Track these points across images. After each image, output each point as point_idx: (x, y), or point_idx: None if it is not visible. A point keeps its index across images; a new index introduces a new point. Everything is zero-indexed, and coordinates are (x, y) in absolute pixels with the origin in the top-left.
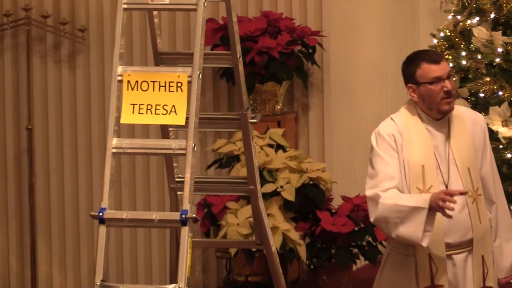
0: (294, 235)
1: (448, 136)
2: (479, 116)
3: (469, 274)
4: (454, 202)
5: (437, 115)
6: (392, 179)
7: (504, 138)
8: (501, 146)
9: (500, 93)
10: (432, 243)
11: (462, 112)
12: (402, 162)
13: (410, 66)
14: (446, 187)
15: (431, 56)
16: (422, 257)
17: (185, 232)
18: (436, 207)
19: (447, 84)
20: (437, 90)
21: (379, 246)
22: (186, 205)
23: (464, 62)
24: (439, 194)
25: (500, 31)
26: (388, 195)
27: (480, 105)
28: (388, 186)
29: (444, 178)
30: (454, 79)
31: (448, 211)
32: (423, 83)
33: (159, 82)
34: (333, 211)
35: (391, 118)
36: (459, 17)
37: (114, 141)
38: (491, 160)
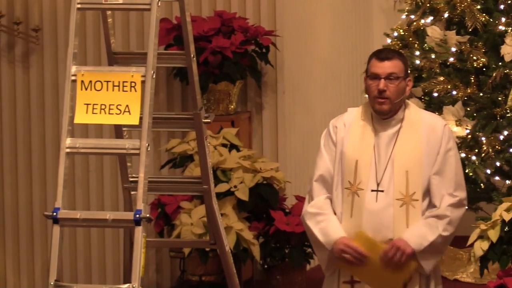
0: (248, 235)
1: (395, 137)
2: (439, 124)
3: None
4: (358, 257)
5: (375, 113)
6: (318, 170)
7: (457, 137)
8: None
9: (454, 92)
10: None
11: (421, 117)
12: (339, 154)
13: (369, 59)
14: (378, 185)
15: (381, 53)
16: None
17: (138, 232)
18: (337, 254)
19: (381, 83)
20: (373, 86)
21: None
22: (140, 205)
23: (418, 62)
24: (339, 245)
25: (454, 31)
26: (313, 205)
27: (434, 105)
28: (315, 177)
29: (378, 177)
30: (408, 84)
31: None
32: (366, 76)
33: (113, 82)
34: (287, 210)
35: (348, 110)
36: (412, 16)
37: (68, 141)
38: (448, 167)
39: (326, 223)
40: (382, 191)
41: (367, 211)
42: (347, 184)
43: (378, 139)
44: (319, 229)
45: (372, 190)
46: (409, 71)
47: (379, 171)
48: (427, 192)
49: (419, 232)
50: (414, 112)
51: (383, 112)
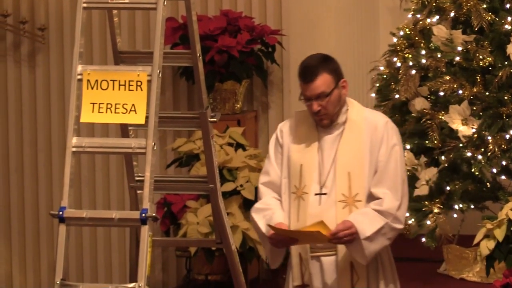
0: (254, 234)
1: (338, 140)
2: (381, 121)
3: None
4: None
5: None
6: (266, 174)
7: (464, 136)
8: (461, 145)
9: (460, 91)
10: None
11: (364, 117)
12: (286, 158)
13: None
14: (321, 188)
15: (305, 74)
16: (294, 257)
17: (145, 231)
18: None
19: (314, 105)
20: (309, 106)
21: None
22: (146, 204)
23: (424, 61)
24: (269, 232)
25: (460, 30)
26: (261, 203)
27: (440, 104)
28: (263, 181)
29: (322, 180)
30: (344, 86)
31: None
32: (300, 95)
33: (119, 81)
34: None
35: (294, 114)
36: (419, 15)
37: (74, 140)
38: (393, 163)
39: (270, 215)
40: (325, 194)
41: (310, 215)
42: (294, 188)
43: (322, 142)
44: (264, 221)
45: (316, 194)
46: (340, 72)
47: (322, 174)
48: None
49: (368, 218)
50: (357, 113)
51: (325, 126)
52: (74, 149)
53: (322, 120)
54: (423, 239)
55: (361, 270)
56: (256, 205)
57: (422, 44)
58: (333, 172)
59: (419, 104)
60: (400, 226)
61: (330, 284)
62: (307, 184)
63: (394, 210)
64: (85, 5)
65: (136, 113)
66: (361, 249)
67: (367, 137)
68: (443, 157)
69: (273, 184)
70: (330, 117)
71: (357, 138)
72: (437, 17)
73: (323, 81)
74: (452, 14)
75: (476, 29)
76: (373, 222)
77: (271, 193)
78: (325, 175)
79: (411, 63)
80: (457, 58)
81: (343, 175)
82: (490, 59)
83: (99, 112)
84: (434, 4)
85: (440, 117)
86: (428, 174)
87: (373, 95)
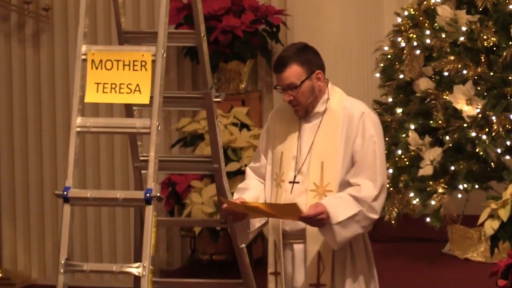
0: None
1: (316, 129)
2: (357, 112)
3: (307, 268)
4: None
5: None
6: (255, 160)
7: (468, 116)
8: (465, 125)
9: (464, 71)
10: (272, 229)
11: (343, 107)
12: (271, 144)
13: None
14: (295, 177)
15: (276, 63)
16: (270, 243)
17: (149, 211)
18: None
19: (285, 96)
20: (283, 96)
21: None
22: (151, 184)
23: (428, 41)
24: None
25: (464, 10)
26: (244, 183)
27: (444, 84)
28: (251, 165)
29: (297, 167)
30: (319, 77)
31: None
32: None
33: (123, 61)
34: None
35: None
36: None
37: (78, 120)
38: (370, 154)
39: (243, 193)
40: (298, 182)
41: (283, 202)
42: (275, 175)
43: (302, 131)
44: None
45: (290, 182)
46: (314, 64)
47: (299, 163)
48: (346, 183)
49: (342, 203)
50: (337, 102)
51: (300, 116)
52: (78, 129)
53: (297, 111)
54: (428, 219)
55: (327, 261)
56: (239, 185)
57: (426, 24)
58: (308, 161)
59: (424, 84)
60: (375, 216)
61: (298, 271)
62: (284, 172)
63: (370, 199)
64: None
65: (140, 93)
66: (332, 234)
67: (343, 128)
68: (447, 137)
69: (259, 169)
70: (303, 107)
71: (334, 128)
72: None
73: (292, 73)
74: None
75: (480, 9)
76: (347, 208)
77: (255, 176)
78: (300, 164)
79: (415, 43)
80: (462, 38)
81: (317, 164)
82: (494, 39)
83: (103, 92)
84: None
85: (444, 97)
86: (433, 154)
87: (378, 75)
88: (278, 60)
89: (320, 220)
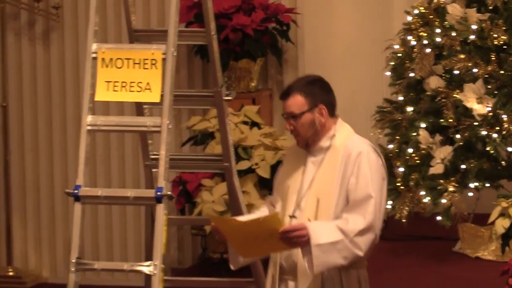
0: None
1: (318, 165)
2: (355, 151)
3: None
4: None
5: None
6: (274, 191)
7: (478, 115)
8: (476, 123)
9: (475, 70)
10: (272, 263)
11: (345, 145)
12: (282, 178)
13: None
14: (294, 211)
15: (282, 91)
16: (269, 277)
17: (160, 209)
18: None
19: (286, 125)
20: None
21: None
22: (161, 183)
23: (438, 39)
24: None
25: (474, 8)
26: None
27: (455, 82)
28: (269, 196)
29: (297, 202)
30: (321, 113)
31: None
32: None
33: (134, 59)
34: None
35: None
36: None
37: (88, 119)
38: (356, 195)
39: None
40: (295, 217)
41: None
42: (282, 208)
43: (307, 165)
44: None
45: (289, 216)
46: (320, 98)
47: (299, 198)
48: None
49: (325, 228)
50: (342, 140)
51: (301, 147)
52: (89, 128)
53: (298, 141)
54: (438, 218)
55: None
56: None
57: (436, 22)
58: (306, 196)
59: (434, 82)
60: (358, 252)
61: None
62: (287, 206)
63: (353, 233)
64: None
65: (151, 91)
66: (310, 256)
67: (341, 166)
68: (458, 136)
69: (275, 199)
70: (303, 139)
71: (333, 166)
72: None
73: (294, 102)
74: None
75: (490, 7)
76: (330, 234)
77: (268, 205)
78: (300, 199)
79: (425, 42)
80: (472, 37)
81: (312, 201)
82: (505, 37)
83: (114, 90)
84: None
85: (454, 95)
86: (443, 153)
87: (388, 73)
88: (285, 87)
89: (299, 236)
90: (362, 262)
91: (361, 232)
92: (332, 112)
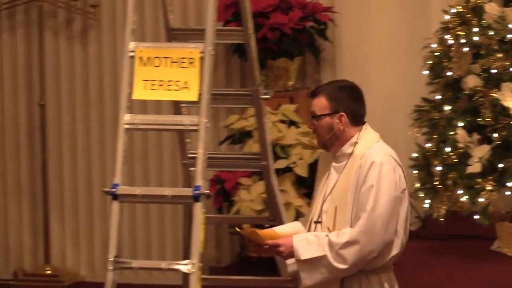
0: (307, 211)
1: (340, 172)
2: (368, 161)
3: None
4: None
5: None
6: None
7: None
8: None
9: None
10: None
11: (363, 154)
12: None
13: None
14: (318, 217)
15: (313, 89)
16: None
17: (198, 208)
18: None
19: (309, 123)
20: None
21: None
22: (199, 181)
23: (476, 38)
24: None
25: None
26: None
27: (492, 81)
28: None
29: (322, 209)
30: (340, 120)
31: None
32: None
33: (171, 58)
34: None
35: None
36: None
37: (126, 117)
38: (363, 205)
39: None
40: (320, 222)
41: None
42: (309, 213)
43: (331, 170)
44: None
45: (315, 222)
46: (343, 105)
47: (323, 204)
48: None
49: (310, 242)
50: (362, 149)
51: (318, 147)
52: (126, 126)
53: (317, 142)
54: (476, 217)
55: None
56: None
57: (474, 21)
58: (327, 203)
59: (472, 81)
60: (341, 266)
61: None
62: (314, 211)
63: (337, 246)
64: None
65: (188, 90)
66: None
67: (355, 175)
68: (495, 135)
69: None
70: (321, 140)
71: (348, 174)
72: None
73: (318, 103)
74: None
75: None
76: (314, 249)
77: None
78: (323, 205)
79: (463, 41)
80: (509, 36)
81: (331, 208)
82: None
83: (151, 89)
84: None
85: (492, 94)
86: (481, 152)
87: (426, 72)
88: (316, 87)
89: (278, 252)
90: (386, 266)
91: (345, 245)
92: (355, 121)
